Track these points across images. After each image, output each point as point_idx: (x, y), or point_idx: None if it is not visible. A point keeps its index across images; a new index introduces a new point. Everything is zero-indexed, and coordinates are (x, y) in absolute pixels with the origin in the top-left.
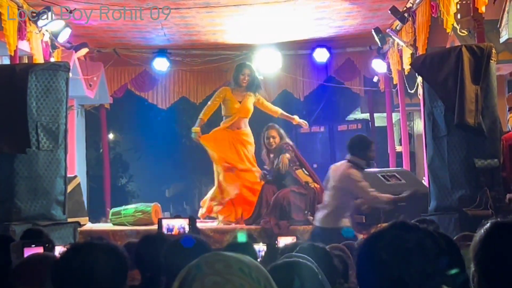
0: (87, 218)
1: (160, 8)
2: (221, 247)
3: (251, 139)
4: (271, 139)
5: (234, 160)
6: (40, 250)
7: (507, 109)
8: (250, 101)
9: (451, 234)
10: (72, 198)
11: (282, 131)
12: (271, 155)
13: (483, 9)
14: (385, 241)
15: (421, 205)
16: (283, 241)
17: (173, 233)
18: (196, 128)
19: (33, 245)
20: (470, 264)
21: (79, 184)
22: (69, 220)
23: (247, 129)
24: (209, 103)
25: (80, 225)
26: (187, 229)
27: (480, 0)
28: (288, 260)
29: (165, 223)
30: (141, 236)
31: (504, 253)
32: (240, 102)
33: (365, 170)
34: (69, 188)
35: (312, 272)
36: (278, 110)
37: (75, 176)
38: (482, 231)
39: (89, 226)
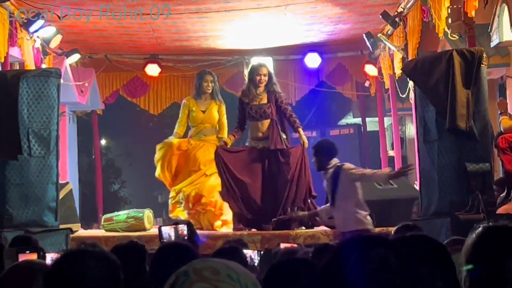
0: (79, 224)
1: (152, 14)
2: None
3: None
4: (262, 77)
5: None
6: (34, 256)
7: (499, 113)
8: (215, 109)
9: (443, 238)
10: (64, 205)
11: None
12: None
13: (473, 13)
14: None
15: (412, 209)
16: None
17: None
18: (170, 140)
19: (27, 251)
20: (461, 269)
21: (71, 191)
22: (61, 226)
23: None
24: (179, 117)
25: (72, 231)
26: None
27: (470, 5)
28: (285, 258)
29: (165, 231)
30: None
31: (495, 257)
32: (204, 112)
33: None
34: (61, 195)
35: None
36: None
37: (67, 183)
38: (474, 235)
39: (81, 232)
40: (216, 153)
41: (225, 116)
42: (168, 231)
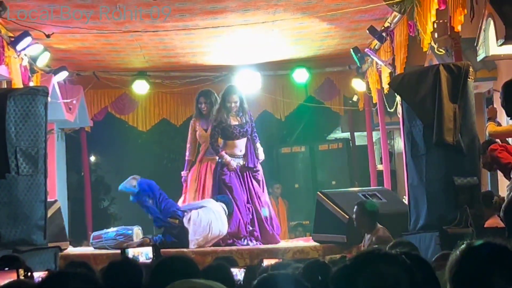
0: (68, 242)
1: (138, 31)
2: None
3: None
4: (233, 104)
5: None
6: (13, 274)
7: (486, 119)
8: None
9: (432, 253)
10: (52, 223)
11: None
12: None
13: (459, 28)
14: (362, 277)
15: (402, 223)
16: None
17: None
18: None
19: (6, 268)
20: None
21: (59, 209)
22: (50, 245)
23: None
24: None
25: (61, 249)
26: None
27: (456, 19)
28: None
29: (131, 252)
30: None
31: (479, 274)
32: (206, 130)
33: (347, 189)
34: (50, 213)
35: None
36: None
37: (56, 201)
38: (458, 252)
39: (70, 250)
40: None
41: None
42: (133, 254)
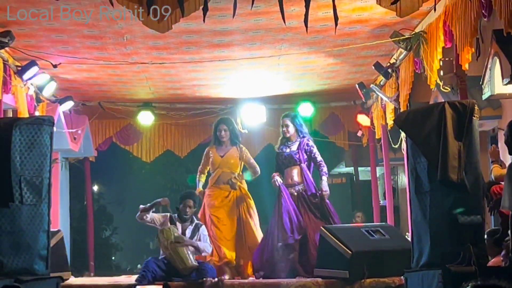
0: (70, 272)
1: (145, 63)
2: None
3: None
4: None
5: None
6: None
7: (490, 161)
8: (233, 154)
9: None
10: (55, 252)
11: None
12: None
13: (466, 66)
14: None
15: (405, 260)
16: None
17: None
18: (198, 189)
19: None
20: None
21: (62, 238)
22: (52, 274)
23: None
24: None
25: (63, 280)
26: None
27: (464, 58)
28: None
29: None
30: None
31: None
32: (222, 156)
33: (350, 225)
34: (52, 243)
35: None
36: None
37: (59, 230)
38: None
39: (72, 280)
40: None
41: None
42: None
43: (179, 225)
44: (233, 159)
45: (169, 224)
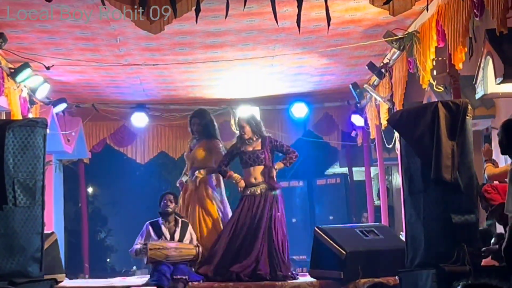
0: (64, 274)
1: (138, 64)
2: None
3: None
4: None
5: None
6: None
7: (484, 160)
8: (202, 148)
9: None
10: (49, 255)
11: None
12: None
13: (460, 66)
14: None
15: (399, 260)
16: None
17: None
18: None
19: None
20: None
21: (56, 241)
22: (46, 277)
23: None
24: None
25: (57, 282)
26: None
27: (457, 57)
28: None
29: None
30: None
31: None
32: (191, 150)
33: (344, 225)
34: (46, 245)
35: None
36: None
37: (52, 233)
38: None
39: (66, 282)
40: None
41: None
42: None
43: (165, 230)
44: (200, 153)
45: (152, 236)
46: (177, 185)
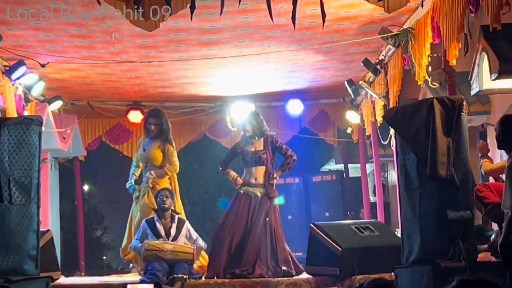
0: (60, 272)
1: (133, 62)
2: None
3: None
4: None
5: None
6: None
7: (479, 156)
8: (155, 148)
9: (424, 287)
10: (45, 253)
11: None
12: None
13: (454, 62)
14: None
15: (395, 256)
16: None
17: None
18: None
19: None
20: None
21: (52, 238)
22: (42, 274)
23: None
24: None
25: (53, 279)
26: None
27: (451, 53)
28: None
29: None
30: None
31: None
32: (144, 150)
33: (340, 222)
34: (42, 242)
35: None
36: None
37: (48, 230)
38: None
39: (62, 280)
40: None
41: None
42: None
43: (160, 226)
44: (157, 154)
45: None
46: (127, 187)
